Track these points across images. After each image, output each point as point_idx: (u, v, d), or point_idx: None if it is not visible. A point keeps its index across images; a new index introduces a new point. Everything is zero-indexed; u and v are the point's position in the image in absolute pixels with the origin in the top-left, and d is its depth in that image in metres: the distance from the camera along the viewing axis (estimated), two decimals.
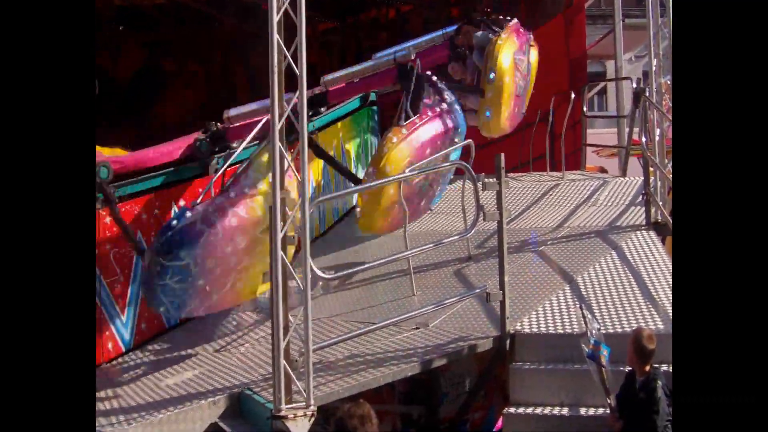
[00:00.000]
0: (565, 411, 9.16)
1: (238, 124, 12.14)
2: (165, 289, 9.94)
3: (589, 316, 8.99)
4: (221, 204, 10.13)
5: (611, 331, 9.38)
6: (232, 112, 12.24)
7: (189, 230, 9.91)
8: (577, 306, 9.64)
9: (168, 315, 11.12)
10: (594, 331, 8.73)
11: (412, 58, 12.84)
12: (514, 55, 13.52)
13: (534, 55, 14.37)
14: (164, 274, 9.86)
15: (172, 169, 11.69)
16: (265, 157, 10.24)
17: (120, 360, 11.07)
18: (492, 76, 13.26)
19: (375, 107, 16.03)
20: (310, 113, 12.53)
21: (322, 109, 13.67)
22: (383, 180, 11.15)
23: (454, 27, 14.42)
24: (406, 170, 11.22)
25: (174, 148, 11.90)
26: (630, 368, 8.43)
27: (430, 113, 12.02)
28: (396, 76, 12.81)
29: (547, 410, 9.22)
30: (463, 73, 13.87)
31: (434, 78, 12.58)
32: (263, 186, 10.20)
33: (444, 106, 12.21)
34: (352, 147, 15.11)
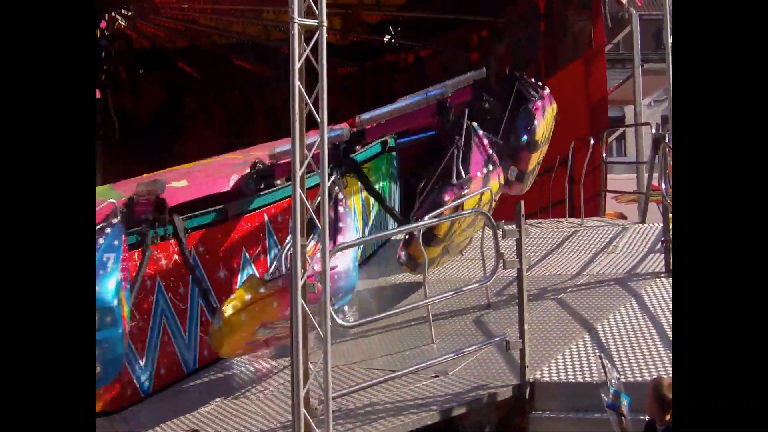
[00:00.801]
0: None
1: (285, 161, 12.25)
2: None
3: (609, 365, 8.94)
4: None
5: (631, 380, 9.33)
6: (278, 149, 12.31)
7: None
8: (597, 355, 9.60)
9: None
10: (614, 381, 8.68)
11: (449, 95, 12.98)
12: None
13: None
14: None
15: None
16: None
17: (138, 405, 11.10)
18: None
19: (394, 153, 16.09)
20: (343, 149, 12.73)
21: (358, 147, 13.80)
22: (413, 225, 11.20)
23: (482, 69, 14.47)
24: (425, 218, 11.23)
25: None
26: (650, 418, 8.38)
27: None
28: (434, 113, 12.97)
29: None
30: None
31: (480, 132, 12.55)
32: None
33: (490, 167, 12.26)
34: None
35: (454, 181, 11.76)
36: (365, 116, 13.41)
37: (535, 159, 13.56)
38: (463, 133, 12.35)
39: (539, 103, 13.40)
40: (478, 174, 12.02)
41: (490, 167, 12.21)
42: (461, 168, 11.91)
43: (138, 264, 10.99)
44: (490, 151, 12.36)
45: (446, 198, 11.46)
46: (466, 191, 11.63)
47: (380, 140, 15.09)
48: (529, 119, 13.20)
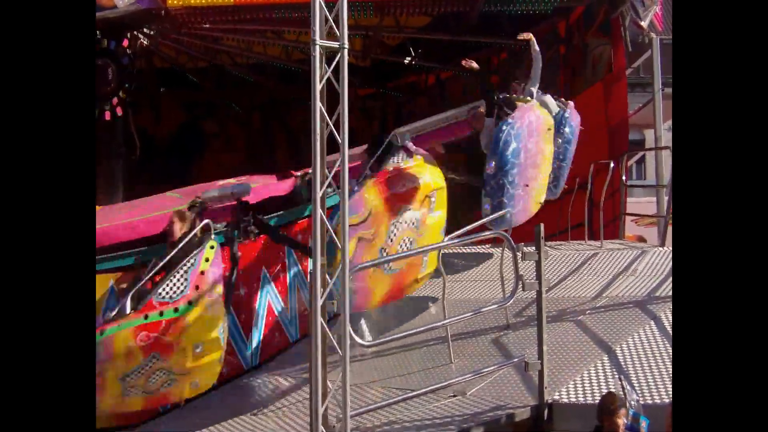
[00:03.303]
0: None
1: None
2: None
3: (628, 387, 8.95)
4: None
5: (650, 402, 9.33)
6: (210, 193, 12.19)
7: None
8: (616, 377, 9.60)
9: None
10: (633, 402, 8.69)
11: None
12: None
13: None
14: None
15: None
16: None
17: (157, 421, 11.13)
18: None
19: None
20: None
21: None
22: (426, 247, 11.20)
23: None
24: (445, 239, 11.26)
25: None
26: None
27: None
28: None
29: None
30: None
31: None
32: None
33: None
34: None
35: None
36: (402, 129, 13.35)
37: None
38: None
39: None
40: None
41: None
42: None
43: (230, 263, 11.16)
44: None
45: None
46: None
47: None
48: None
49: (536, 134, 12.96)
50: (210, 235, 10.52)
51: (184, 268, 10.16)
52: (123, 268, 11.63)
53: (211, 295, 10.21)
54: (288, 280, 12.90)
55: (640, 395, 9.17)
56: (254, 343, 12.35)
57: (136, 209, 12.74)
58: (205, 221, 10.69)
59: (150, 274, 10.50)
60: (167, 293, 10.02)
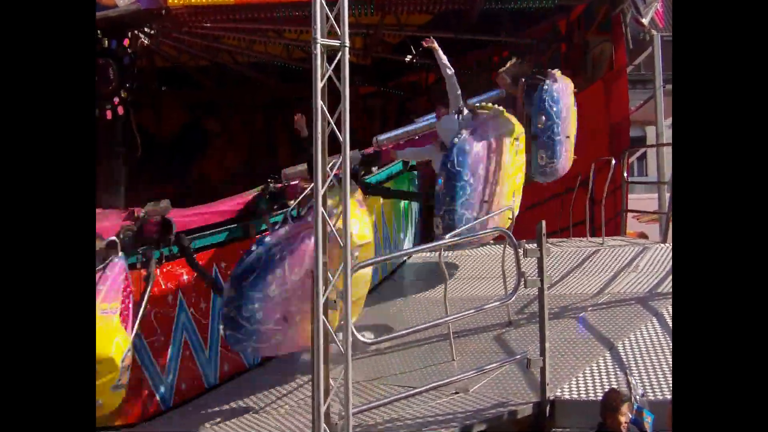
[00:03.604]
0: None
1: (295, 182, 12.32)
2: (251, 318, 10.02)
3: (634, 382, 8.97)
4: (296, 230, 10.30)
5: (652, 398, 9.34)
6: (288, 171, 12.36)
7: (268, 257, 10.13)
8: (624, 372, 9.61)
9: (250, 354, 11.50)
10: (638, 398, 8.70)
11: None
12: None
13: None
14: (247, 302, 10.00)
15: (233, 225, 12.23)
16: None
17: (158, 419, 11.14)
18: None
19: (415, 172, 16.14)
20: (363, 173, 12.71)
21: (374, 169, 13.82)
22: (426, 245, 11.21)
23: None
24: (446, 236, 11.25)
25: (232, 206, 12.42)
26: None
27: None
28: None
29: None
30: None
31: None
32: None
33: None
34: (392, 211, 15.21)
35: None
36: (382, 137, 13.42)
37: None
38: None
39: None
40: None
41: None
42: None
43: (144, 284, 10.88)
44: None
45: None
46: None
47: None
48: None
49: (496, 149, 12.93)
50: (115, 251, 10.17)
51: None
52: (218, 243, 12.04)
53: (104, 312, 9.60)
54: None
55: (645, 391, 9.16)
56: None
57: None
58: (111, 238, 10.33)
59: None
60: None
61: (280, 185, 12.60)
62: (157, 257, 11.13)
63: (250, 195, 12.66)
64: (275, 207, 12.37)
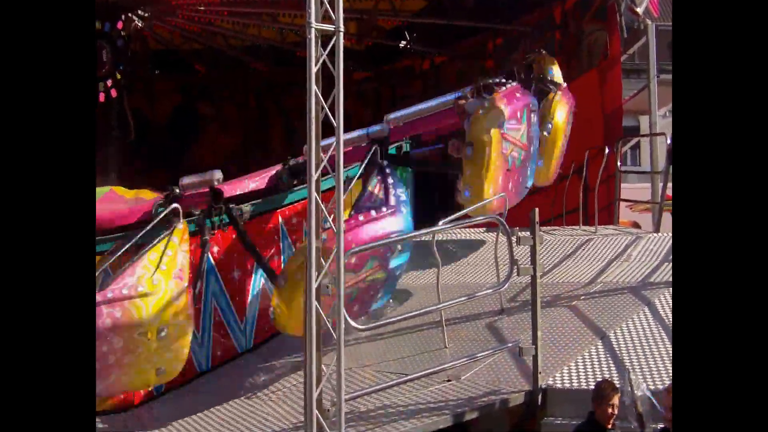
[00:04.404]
0: None
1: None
2: None
3: (635, 379, 8.99)
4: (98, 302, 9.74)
5: (645, 387, 9.33)
6: (185, 181, 12.06)
7: None
8: (625, 371, 9.59)
9: None
10: (639, 394, 8.76)
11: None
12: (498, 126, 12.48)
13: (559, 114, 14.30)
14: None
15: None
16: (157, 250, 10.26)
17: (150, 404, 11.14)
18: (469, 151, 12.39)
19: (409, 169, 16.06)
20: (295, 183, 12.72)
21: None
22: (422, 231, 11.18)
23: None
24: (440, 222, 11.22)
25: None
26: (663, 426, 8.39)
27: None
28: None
29: None
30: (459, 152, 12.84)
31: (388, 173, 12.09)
32: (144, 288, 9.99)
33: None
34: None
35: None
36: (392, 116, 13.27)
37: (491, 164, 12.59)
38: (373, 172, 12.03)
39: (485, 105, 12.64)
40: (360, 218, 11.31)
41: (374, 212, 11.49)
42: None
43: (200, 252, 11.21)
44: (391, 196, 11.75)
45: None
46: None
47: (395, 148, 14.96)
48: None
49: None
50: (178, 219, 10.54)
51: (149, 250, 10.11)
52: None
53: (178, 277, 10.14)
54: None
55: (647, 390, 9.12)
56: (248, 327, 12.30)
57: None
58: (174, 205, 10.70)
59: (116, 255, 10.46)
60: (131, 275, 9.96)
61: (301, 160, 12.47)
62: (209, 225, 11.43)
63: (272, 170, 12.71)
64: (296, 183, 12.49)
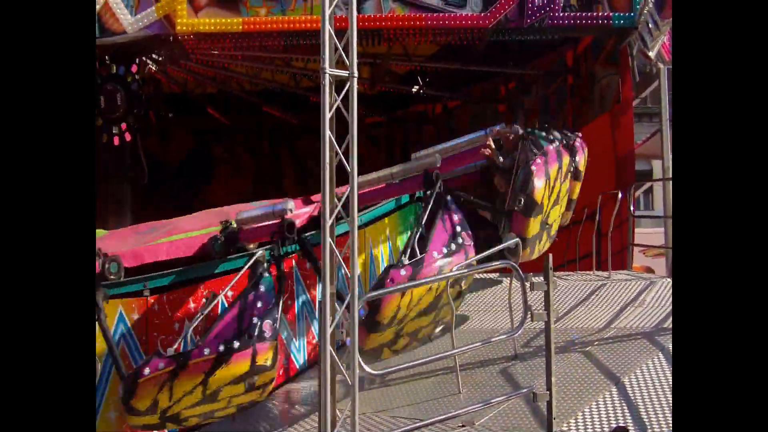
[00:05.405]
0: None
1: (254, 227, 12.13)
2: None
3: None
4: None
5: None
6: (244, 214, 12.12)
7: None
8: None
9: None
10: None
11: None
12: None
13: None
14: None
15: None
16: None
17: None
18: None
19: (422, 203, 16.06)
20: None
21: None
22: (424, 280, 11.14)
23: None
24: (453, 268, 11.21)
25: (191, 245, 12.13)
26: None
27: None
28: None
29: None
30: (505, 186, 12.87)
31: (452, 205, 12.10)
32: None
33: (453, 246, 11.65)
34: (399, 242, 15.15)
35: (405, 260, 11.14)
36: (419, 153, 13.23)
37: (537, 224, 12.68)
38: (429, 206, 11.98)
39: (539, 160, 12.56)
40: (435, 254, 11.39)
41: (453, 246, 11.58)
42: (416, 246, 11.36)
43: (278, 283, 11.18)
44: (458, 228, 11.76)
45: (389, 280, 10.83)
46: (418, 271, 11.10)
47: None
48: (526, 181, 12.38)
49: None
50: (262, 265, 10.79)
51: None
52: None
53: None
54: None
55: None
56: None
57: None
58: (260, 251, 10.97)
59: (209, 307, 10.74)
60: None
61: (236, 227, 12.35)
62: (282, 254, 11.55)
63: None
64: (231, 251, 12.12)
